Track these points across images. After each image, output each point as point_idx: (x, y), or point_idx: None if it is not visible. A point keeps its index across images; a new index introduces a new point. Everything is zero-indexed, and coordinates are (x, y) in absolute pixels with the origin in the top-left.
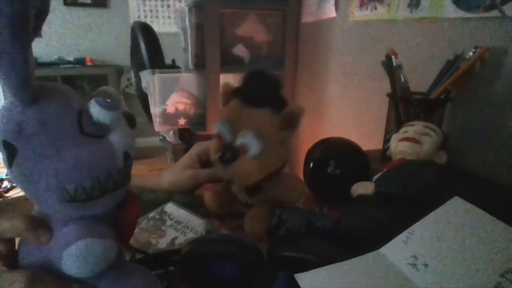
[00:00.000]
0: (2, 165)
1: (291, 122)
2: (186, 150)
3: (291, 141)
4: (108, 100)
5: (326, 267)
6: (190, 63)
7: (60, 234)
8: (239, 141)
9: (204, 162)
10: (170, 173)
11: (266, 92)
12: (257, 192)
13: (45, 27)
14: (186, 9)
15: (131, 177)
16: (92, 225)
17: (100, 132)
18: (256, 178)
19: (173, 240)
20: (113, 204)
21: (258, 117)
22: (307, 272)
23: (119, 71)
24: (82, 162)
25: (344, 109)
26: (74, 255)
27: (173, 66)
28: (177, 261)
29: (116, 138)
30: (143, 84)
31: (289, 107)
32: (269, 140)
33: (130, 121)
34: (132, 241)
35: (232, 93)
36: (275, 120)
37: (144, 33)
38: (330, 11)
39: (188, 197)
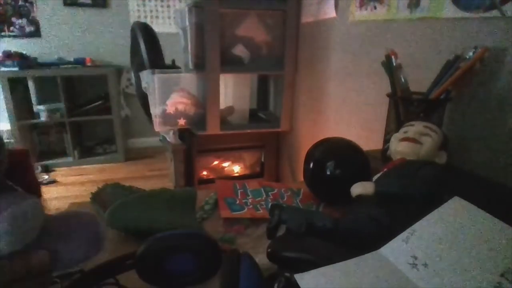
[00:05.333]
0: None
1: None
2: (186, 150)
3: None
4: None
5: (326, 267)
6: (190, 63)
7: None
8: None
9: None
10: None
11: None
12: None
13: (45, 27)
14: (186, 9)
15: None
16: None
17: None
18: None
19: None
20: None
21: None
22: (307, 272)
23: (119, 71)
24: None
25: (344, 109)
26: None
27: (173, 66)
28: (133, 264)
29: None
30: (143, 84)
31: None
32: None
33: None
34: None
35: None
36: None
37: (144, 33)
38: (330, 11)
39: None
